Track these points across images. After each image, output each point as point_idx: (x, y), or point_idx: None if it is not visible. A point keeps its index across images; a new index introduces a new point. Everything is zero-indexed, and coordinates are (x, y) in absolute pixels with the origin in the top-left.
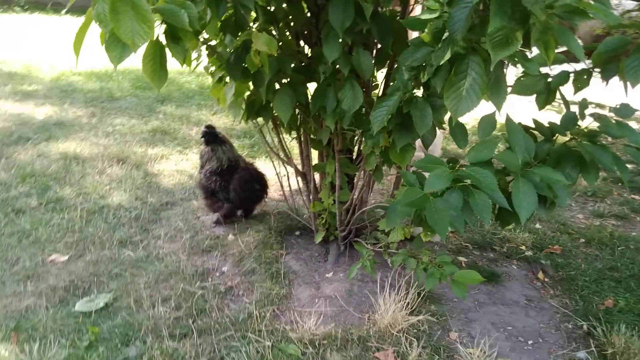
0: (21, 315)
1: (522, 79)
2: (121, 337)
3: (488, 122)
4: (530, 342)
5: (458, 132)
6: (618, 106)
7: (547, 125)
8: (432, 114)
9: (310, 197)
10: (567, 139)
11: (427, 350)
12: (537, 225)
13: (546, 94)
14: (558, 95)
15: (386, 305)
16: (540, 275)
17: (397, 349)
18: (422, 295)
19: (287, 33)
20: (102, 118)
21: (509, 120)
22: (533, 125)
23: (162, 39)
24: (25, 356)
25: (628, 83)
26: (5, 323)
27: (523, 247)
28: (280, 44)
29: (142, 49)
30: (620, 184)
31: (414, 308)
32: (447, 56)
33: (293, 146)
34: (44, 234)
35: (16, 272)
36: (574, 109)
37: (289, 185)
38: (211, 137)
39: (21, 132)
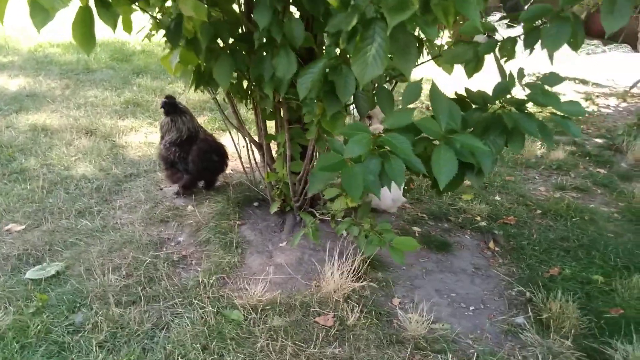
0: None
1: (452, 47)
2: (68, 304)
3: (412, 89)
4: (471, 308)
5: (383, 98)
6: (547, 74)
7: (479, 93)
8: (355, 81)
9: (266, 168)
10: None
11: (367, 315)
12: (496, 197)
13: (475, 62)
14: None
15: (332, 272)
16: (491, 244)
17: (337, 313)
18: (368, 262)
19: None
20: (75, 90)
21: (433, 87)
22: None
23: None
24: None
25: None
26: None
27: (478, 218)
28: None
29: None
30: (587, 157)
31: (359, 275)
32: (354, 22)
33: (251, 117)
34: (3, 204)
35: None
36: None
37: (250, 157)
38: (171, 107)
39: None
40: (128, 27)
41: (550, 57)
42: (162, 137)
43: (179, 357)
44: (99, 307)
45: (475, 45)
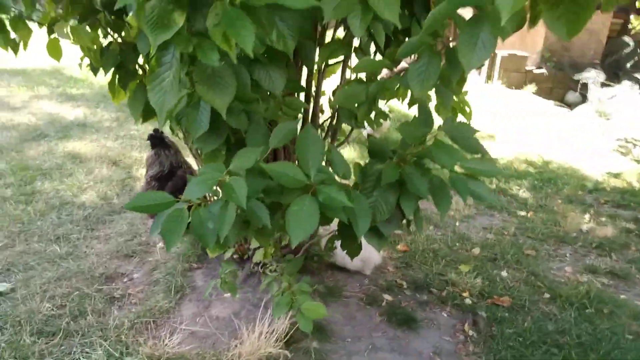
0: None
1: (345, 87)
2: None
3: (284, 128)
4: None
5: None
6: (453, 122)
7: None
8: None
9: None
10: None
11: None
12: (503, 273)
13: (367, 104)
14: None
15: (257, 333)
16: (467, 327)
17: None
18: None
19: None
20: (123, 123)
21: (306, 131)
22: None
23: None
24: None
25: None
26: None
27: (465, 294)
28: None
29: None
30: None
31: (287, 340)
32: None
33: None
34: None
35: None
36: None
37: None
38: (157, 140)
39: (44, 130)
40: (55, 53)
41: (419, 100)
42: (147, 171)
43: None
44: (12, 333)
45: (367, 85)
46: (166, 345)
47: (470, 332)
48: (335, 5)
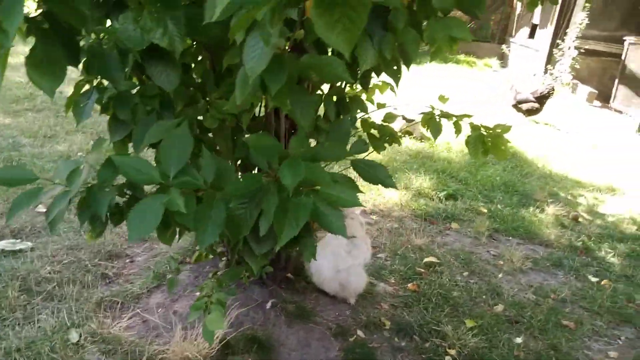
0: None
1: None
2: None
3: (160, 127)
4: None
5: None
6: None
7: None
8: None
9: None
10: None
11: None
12: (517, 339)
13: None
14: None
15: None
16: None
17: None
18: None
19: None
20: None
21: (177, 129)
22: None
23: None
24: None
25: None
26: None
27: (452, 351)
28: None
29: None
30: None
31: (225, 348)
32: None
33: None
34: None
35: None
36: None
37: None
38: None
39: None
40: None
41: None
42: None
43: None
44: (3, 285)
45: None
46: (112, 326)
47: None
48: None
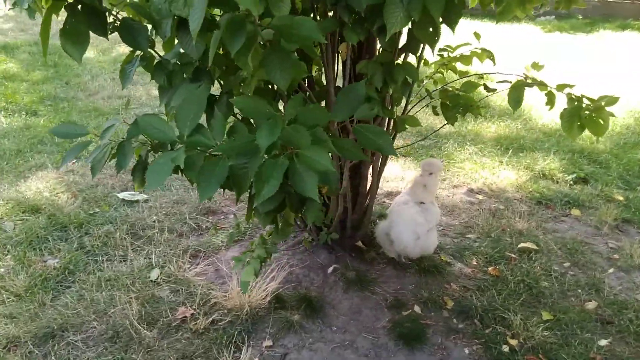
0: None
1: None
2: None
3: (183, 91)
4: None
5: None
6: None
7: None
8: None
9: None
10: None
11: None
12: (601, 341)
13: None
14: None
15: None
16: None
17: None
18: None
19: None
20: None
21: (192, 93)
22: None
23: None
24: None
25: None
26: None
27: (513, 341)
28: None
29: None
30: None
31: (275, 301)
32: None
33: None
34: None
35: None
36: None
37: None
38: None
39: None
40: None
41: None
42: None
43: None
44: (104, 226)
45: None
46: (187, 270)
47: None
48: None
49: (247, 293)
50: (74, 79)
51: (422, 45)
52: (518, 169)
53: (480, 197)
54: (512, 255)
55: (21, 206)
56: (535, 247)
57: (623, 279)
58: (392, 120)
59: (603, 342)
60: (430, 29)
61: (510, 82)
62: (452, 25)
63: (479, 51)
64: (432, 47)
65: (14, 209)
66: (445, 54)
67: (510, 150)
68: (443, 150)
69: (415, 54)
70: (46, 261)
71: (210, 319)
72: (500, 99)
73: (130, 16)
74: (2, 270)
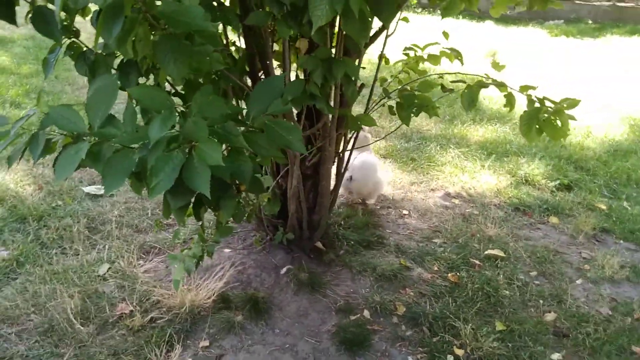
0: None
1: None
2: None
3: (98, 82)
4: None
5: None
6: None
7: None
8: None
9: None
10: None
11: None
12: (554, 355)
13: None
14: None
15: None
16: None
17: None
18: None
19: None
20: None
21: (103, 82)
22: None
23: None
24: None
25: None
26: None
27: (459, 351)
28: None
29: None
30: None
31: (218, 301)
32: None
33: None
34: None
35: None
36: None
37: None
38: None
39: None
40: None
41: None
42: None
43: None
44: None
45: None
46: (137, 266)
47: None
48: None
49: (190, 292)
50: (63, 73)
51: (384, 43)
52: (500, 173)
53: (457, 201)
54: (477, 262)
55: None
56: (502, 254)
57: (589, 291)
58: (346, 118)
59: (555, 356)
60: (359, 24)
61: (465, 82)
62: (385, 19)
63: (448, 51)
64: (360, 43)
65: None
66: (411, 53)
67: (494, 155)
68: (424, 152)
69: (356, 50)
70: None
71: (149, 316)
72: (492, 103)
73: (47, 5)
74: None
